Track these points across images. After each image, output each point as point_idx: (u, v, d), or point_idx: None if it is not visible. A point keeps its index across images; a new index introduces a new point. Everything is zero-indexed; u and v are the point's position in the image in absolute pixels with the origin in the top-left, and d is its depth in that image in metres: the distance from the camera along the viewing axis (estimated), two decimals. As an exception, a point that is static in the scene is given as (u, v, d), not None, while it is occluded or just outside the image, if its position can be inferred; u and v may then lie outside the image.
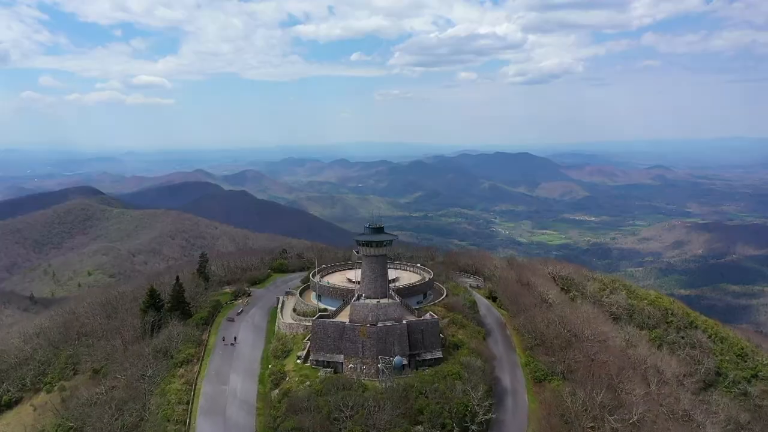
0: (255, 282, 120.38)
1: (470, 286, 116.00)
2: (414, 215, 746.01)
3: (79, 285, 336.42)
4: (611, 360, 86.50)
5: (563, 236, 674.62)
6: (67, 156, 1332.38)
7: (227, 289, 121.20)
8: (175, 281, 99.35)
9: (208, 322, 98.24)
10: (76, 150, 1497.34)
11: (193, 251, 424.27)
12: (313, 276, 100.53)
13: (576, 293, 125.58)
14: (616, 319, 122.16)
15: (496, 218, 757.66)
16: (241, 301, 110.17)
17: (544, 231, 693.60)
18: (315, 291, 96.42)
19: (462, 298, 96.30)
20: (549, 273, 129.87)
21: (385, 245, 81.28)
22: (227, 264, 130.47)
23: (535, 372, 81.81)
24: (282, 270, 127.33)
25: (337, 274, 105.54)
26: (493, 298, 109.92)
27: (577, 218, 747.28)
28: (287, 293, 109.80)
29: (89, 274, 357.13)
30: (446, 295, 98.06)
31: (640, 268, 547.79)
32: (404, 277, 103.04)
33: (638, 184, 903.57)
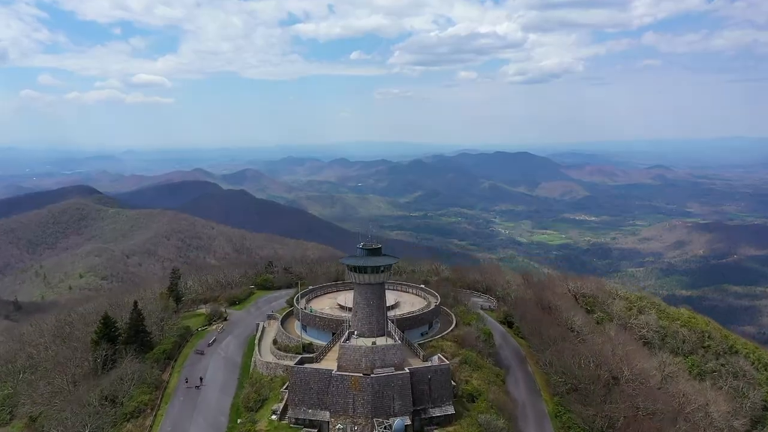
0: (234, 302, 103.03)
1: (481, 307, 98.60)
2: (414, 215, 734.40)
3: (70, 288, 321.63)
4: (659, 408, 69.68)
5: (563, 236, 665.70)
6: (66, 155, 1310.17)
7: (203, 309, 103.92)
8: (132, 307, 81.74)
9: (172, 356, 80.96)
10: (76, 149, 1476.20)
11: (189, 252, 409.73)
12: (298, 300, 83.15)
13: (601, 314, 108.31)
14: (647, 343, 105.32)
15: (496, 218, 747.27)
16: (215, 326, 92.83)
17: (545, 231, 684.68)
18: (299, 320, 79.08)
19: (475, 328, 78.82)
20: (569, 290, 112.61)
21: (383, 271, 63.98)
22: (206, 279, 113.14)
23: (569, 428, 64.65)
24: (266, 287, 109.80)
25: (327, 297, 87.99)
26: (509, 324, 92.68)
27: (578, 218, 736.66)
28: (269, 317, 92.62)
29: (81, 276, 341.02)
30: (456, 325, 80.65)
31: (641, 269, 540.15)
32: (405, 301, 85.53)
33: (638, 183, 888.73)
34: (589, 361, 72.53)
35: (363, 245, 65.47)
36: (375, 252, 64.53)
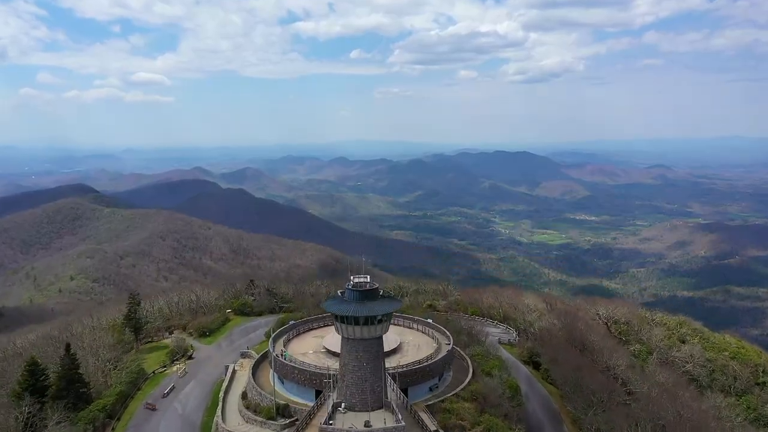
0: (205, 332, 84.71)
1: (499, 341, 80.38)
2: (413, 214, 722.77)
3: (60, 290, 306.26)
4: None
5: (564, 236, 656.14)
6: (65, 153, 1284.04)
7: (167, 340, 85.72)
8: (64, 352, 63.22)
9: (114, 414, 62.80)
10: (75, 147, 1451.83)
11: (184, 252, 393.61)
12: (274, 341, 64.90)
13: (639, 347, 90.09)
14: (693, 380, 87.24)
15: (496, 218, 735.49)
16: (177, 367, 74.61)
17: (545, 231, 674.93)
18: (273, 368, 60.86)
19: (498, 379, 60.56)
20: (599, 316, 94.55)
21: (381, 322, 45.76)
22: (175, 303, 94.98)
23: None
24: (245, 312, 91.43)
25: (312, 336, 69.53)
26: (535, 364, 74.58)
27: (578, 218, 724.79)
28: (243, 355, 74.58)
29: (71, 278, 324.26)
30: (473, 375, 62.35)
31: (642, 269, 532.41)
32: (410, 341, 67.19)
33: (639, 183, 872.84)
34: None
35: (353, 284, 47.24)
36: (370, 295, 46.20)
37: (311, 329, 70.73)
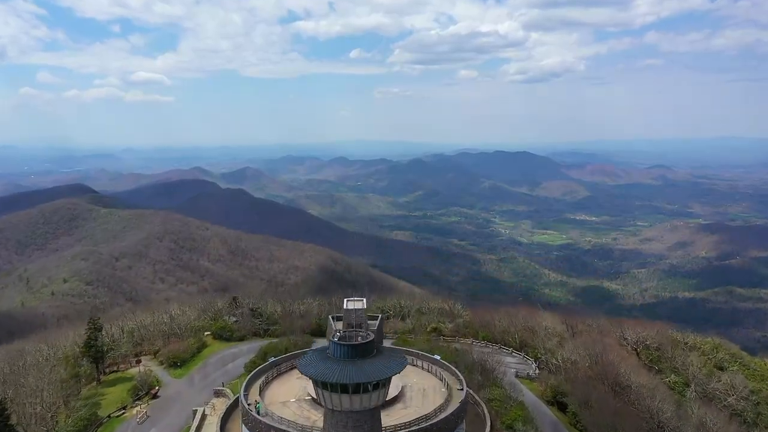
0: (176, 362, 72.25)
1: (517, 375, 68.04)
2: (413, 214, 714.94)
3: (52, 293, 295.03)
4: None
5: (564, 236, 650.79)
6: (65, 153, 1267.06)
7: (135, 369, 73.39)
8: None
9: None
10: (75, 147, 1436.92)
11: (181, 254, 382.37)
12: (248, 385, 52.50)
13: (674, 378, 77.66)
14: (736, 414, 74.77)
15: (496, 218, 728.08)
16: (137, 409, 62.26)
17: (545, 231, 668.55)
18: (244, 424, 48.48)
19: (522, 436, 48.26)
20: (627, 341, 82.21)
21: (378, 389, 33.08)
22: (147, 326, 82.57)
23: None
24: (224, 337, 78.99)
25: (296, 377, 56.89)
26: (560, 405, 62.29)
27: (578, 218, 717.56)
28: (216, 393, 62.28)
29: (65, 281, 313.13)
30: (491, 428, 50.06)
31: (643, 270, 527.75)
32: (413, 384, 54.61)
33: (639, 183, 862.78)
34: None
35: (340, 335, 34.68)
36: (363, 350, 33.42)
37: (295, 367, 58.14)
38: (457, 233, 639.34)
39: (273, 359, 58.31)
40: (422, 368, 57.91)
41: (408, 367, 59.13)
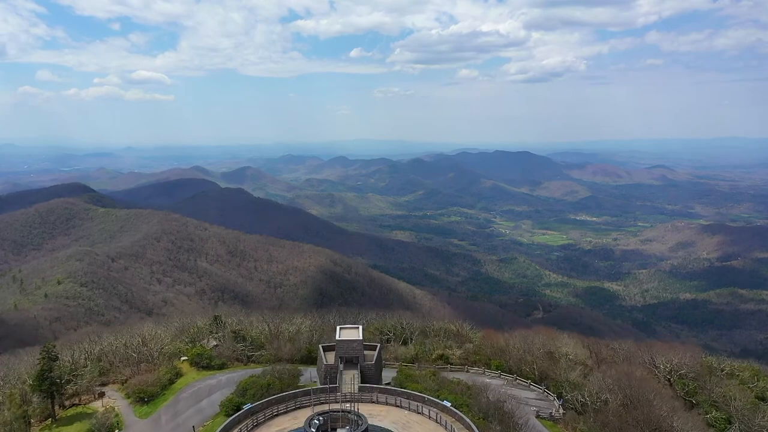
0: (144, 396, 62.09)
1: (538, 415, 57.95)
2: (414, 214, 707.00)
3: (46, 295, 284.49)
4: None
5: (565, 237, 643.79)
6: (64, 152, 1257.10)
7: (99, 405, 63.15)
8: None
9: None
10: (74, 146, 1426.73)
11: (179, 254, 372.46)
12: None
13: (716, 413, 67.42)
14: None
15: (496, 218, 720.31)
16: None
17: (546, 231, 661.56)
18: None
19: None
20: (658, 369, 72.02)
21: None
22: (119, 347, 72.39)
23: None
24: (202, 365, 68.88)
25: (287, 418, 46.41)
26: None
27: (579, 218, 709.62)
28: (190, 438, 52.36)
29: (59, 282, 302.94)
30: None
31: (644, 270, 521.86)
32: (418, 435, 44.58)
33: (640, 183, 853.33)
34: None
35: (319, 423, 24.53)
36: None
37: (277, 414, 47.88)
38: (457, 233, 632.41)
39: (249, 406, 48.05)
40: (429, 417, 47.71)
41: (411, 413, 49.06)
